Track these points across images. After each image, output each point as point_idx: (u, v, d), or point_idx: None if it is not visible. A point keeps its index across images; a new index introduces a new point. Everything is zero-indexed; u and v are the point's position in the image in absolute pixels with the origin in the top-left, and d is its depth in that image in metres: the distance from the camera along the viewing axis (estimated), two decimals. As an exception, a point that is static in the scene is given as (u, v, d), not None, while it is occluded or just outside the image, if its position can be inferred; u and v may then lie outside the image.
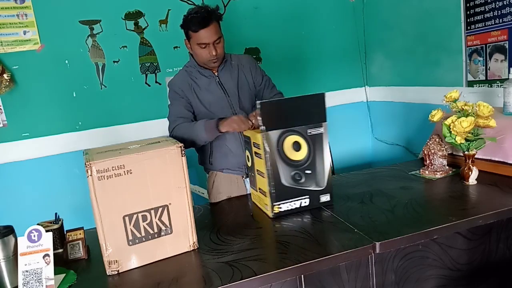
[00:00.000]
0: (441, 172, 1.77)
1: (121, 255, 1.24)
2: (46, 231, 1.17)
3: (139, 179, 1.24)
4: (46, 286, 1.14)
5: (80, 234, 1.39)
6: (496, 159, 1.69)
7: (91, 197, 1.18)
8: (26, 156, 2.53)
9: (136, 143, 1.37)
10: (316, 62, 3.19)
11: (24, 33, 2.44)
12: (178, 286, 1.14)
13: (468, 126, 1.55)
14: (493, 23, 2.13)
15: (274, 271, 1.15)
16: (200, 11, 1.73)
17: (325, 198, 1.57)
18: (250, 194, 1.88)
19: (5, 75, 2.38)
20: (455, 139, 1.61)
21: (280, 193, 1.52)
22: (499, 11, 2.09)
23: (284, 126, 1.50)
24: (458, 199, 1.52)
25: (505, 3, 2.05)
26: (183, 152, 1.30)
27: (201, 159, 2.01)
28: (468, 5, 2.26)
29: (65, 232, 1.41)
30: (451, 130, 1.60)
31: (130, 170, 1.22)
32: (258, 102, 1.48)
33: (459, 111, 1.63)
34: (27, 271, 1.13)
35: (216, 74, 1.89)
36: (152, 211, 1.27)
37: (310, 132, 1.52)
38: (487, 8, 2.15)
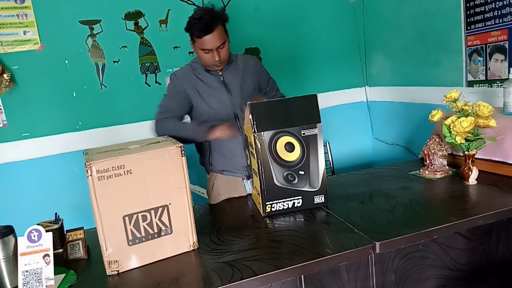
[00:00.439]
0: (441, 172, 1.77)
1: (121, 255, 1.24)
2: (46, 231, 1.17)
3: (139, 179, 1.24)
4: (46, 286, 1.14)
5: (80, 234, 1.39)
6: (496, 159, 1.69)
7: (91, 197, 1.18)
8: (26, 156, 2.53)
9: (136, 143, 1.37)
10: (316, 62, 3.19)
11: (24, 33, 2.44)
12: (178, 286, 1.14)
13: (468, 126, 1.55)
14: (493, 23, 2.13)
15: (274, 271, 1.15)
16: (204, 17, 1.69)
17: (319, 199, 1.57)
18: (250, 194, 1.89)
19: (5, 75, 2.38)
20: (455, 139, 1.61)
21: (272, 192, 1.53)
22: (499, 11, 2.09)
23: (276, 127, 1.51)
24: (458, 199, 1.52)
25: (505, 3, 2.05)
26: (183, 152, 1.30)
27: (201, 160, 2.00)
28: (468, 5, 2.26)
29: (65, 232, 1.41)
30: (451, 130, 1.60)
31: (130, 170, 1.22)
32: (248, 103, 1.49)
33: (459, 111, 1.63)
34: (27, 271, 1.13)
35: (220, 73, 1.87)
36: (152, 211, 1.27)
37: (304, 133, 1.53)
38: (487, 8, 2.15)
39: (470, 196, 1.54)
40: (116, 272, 1.24)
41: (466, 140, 1.60)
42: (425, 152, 1.82)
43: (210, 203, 1.95)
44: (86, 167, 1.17)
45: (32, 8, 2.44)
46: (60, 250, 1.42)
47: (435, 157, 1.79)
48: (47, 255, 1.16)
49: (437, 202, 1.55)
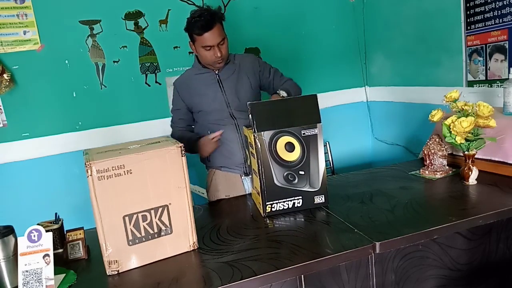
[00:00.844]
0: (441, 172, 1.77)
1: (121, 255, 1.24)
2: (46, 231, 1.17)
3: (139, 179, 1.24)
4: (46, 286, 1.14)
5: (80, 234, 1.39)
6: (496, 159, 1.69)
7: (91, 197, 1.18)
8: (26, 156, 2.53)
9: (136, 143, 1.37)
10: (316, 62, 3.19)
11: (24, 33, 2.44)
12: (178, 286, 1.14)
13: (468, 126, 1.55)
14: (493, 23, 2.13)
15: (274, 271, 1.15)
16: (204, 14, 1.75)
17: (319, 199, 1.57)
18: (250, 193, 1.89)
19: (5, 75, 2.38)
20: (455, 139, 1.61)
21: (272, 192, 1.53)
22: (499, 11, 2.09)
23: (276, 127, 1.51)
24: (458, 199, 1.52)
25: (505, 3, 2.05)
26: (183, 152, 1.30)
27: (201, 157, 2.02)
28: (468, 5, 2.26)
29: (65, 232, 1.41)
30: (451, 130, 1.60)
31: (130, 170, 1.22)
32: (248, 103, 1.50)
33: (459, 111, 1.63)
34: (27, 271, 1.13)
35: (216, 72, 1.91)
36: (152, 211, 1.27)
37: (304, 133, 1.53)
38: (487, 8, 2.15)
39: (470, 196, 1.54)
40: (116, 272, 1.24)
41: (466, 140, 1.60)
42: (425, 152, 1.82)
43: (208, 199, 2.01)
44: (86, 167, 1.17)
45: (32, 8, 2.44)
46: (60, 250, 1.42)
47: (435, 157, 1.79)
48: (47, 255, 1.16)
49: (437, 202, 1.55)
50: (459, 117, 1.58)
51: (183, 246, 1.33)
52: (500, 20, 2.09)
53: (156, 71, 2.77)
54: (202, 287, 1.13)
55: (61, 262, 1.33)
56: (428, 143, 1.82)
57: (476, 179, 1.63)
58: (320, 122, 1.54)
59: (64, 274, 1.25)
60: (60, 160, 2.60)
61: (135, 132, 2.67)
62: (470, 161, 1.63)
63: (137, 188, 1.24)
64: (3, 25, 2.39)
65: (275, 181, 1.53)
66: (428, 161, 1.82)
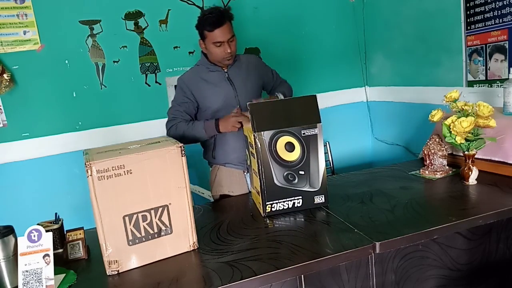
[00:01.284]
0: (441, 172, 1.77)
1: (121, 255, 1.24)
2: (46, 231, 1.17)
3: (139, 179, 1.24)
4: (46, 286, 1.14)
5: (80, 234, 1.39)
6: (496, 159, 1.69)
7: (91, 197, 1.18)
8: (26, 156, 2.53)
9: (136, 143, 1.37)
10: (316, 62, 3.19)
11: (24, 33, 2.44)
12: (178, 286, 1.14)
13: (468, 126, 1.55)
14: (493, 23, 2.13)
15: (274, 271, 1.15)
16: (215, 12, 1.82)
17: (319, 199, 1.57)
18: (250, 193, 1.89)
19: (5, 75, 2.38)
20: (455, 139, 1.61)
21: (272, 192, 1.54)
22: (499, 11, 2.09)
23: (276, 127, 1.51)
24: (458, 199, 1.52)
25: (505, 3, 2.05)
26: (183, 152, 1.30)
27: (205, 154, 2.08)
28: (468, 5, 2.26)
29: (65, 232, 1.41)
30: (451, 130, 1.60)
31: (130, 170, 1.22)
32: (248, 103, 1.52)
33: (459, 111, 1.63)
34: (27, 271, 1.13)
35: (225, 70, 1.96)
36: (152, 211, 1.27)
37: (304, 133, 1.53)
38: (487, 8, 2.15)
39: (470, 196, 1.54)
40: (116, 272, 1.24)
41: (466, 140, 1.60)
42: (425, 152, 1.82)
43: (211, 194, 2.06)
44: (86, 167, 1.17)
45: (32, 8, 2.44)
46: (60, 250, 1.42)
47: (435, 157, 1.79)
48: (47, 255, 1.16)
49: (437, 202, 1.55)
50: (459, 117, 1.58)
51: (183, 246, 1.33)
52: (500, 20, 2.09)
53: (156, 71, 2.77)
54: (202, 287, 1.13)
55: (61, 262, 1.33)
56: (428, 143, 1.82)
57: (476, 179, 1.63)
58: (320, 122, 1.54)
59: (64, 274, 1.25)
60: (60, 160, 2.60)
61: (135, 132, 2.67)
62: (470, 161, 1.63)
63: (137, 188, 1.24)
64: (3, 25, 2.39)
65: (275, 181, 1.53)
66: (428, 161, 1.82)
